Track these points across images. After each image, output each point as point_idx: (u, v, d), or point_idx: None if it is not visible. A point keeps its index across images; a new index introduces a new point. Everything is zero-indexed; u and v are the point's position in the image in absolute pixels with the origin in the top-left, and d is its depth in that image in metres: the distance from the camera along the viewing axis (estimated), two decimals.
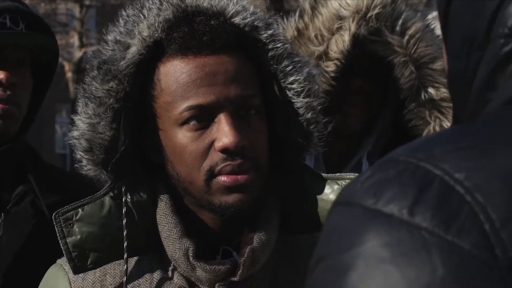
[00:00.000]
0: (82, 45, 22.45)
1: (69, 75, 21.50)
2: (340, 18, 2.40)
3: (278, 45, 1.56)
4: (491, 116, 0.85)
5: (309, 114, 1.56)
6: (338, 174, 1.61)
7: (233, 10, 1.55)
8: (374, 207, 0.77)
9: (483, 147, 0.78)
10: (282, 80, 1.56)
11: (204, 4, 1.55)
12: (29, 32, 2.22)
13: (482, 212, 0.74)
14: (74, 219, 1.56)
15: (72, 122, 1.59)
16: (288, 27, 2.43)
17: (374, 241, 0.75)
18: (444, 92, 2.38)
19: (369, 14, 2.38)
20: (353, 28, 2.38)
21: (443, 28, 0.96)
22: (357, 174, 1.58)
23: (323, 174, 1.61)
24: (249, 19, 1.55)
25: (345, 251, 0.76)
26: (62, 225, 1.56)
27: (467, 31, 0.90)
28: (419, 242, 0.73)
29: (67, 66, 22.10)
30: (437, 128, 2.38)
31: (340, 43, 2.38)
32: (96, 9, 24.79)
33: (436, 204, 0.75)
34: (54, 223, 1.56)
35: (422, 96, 2.39)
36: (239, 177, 1.48)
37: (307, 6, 2.48)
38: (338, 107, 2.35)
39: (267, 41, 1.56)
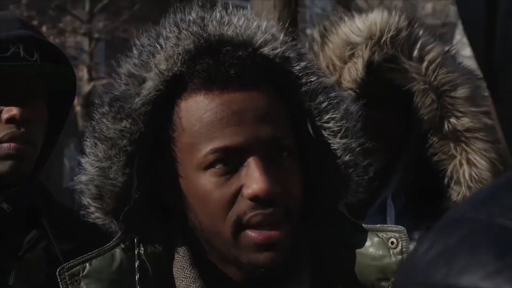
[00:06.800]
0: (91, 79, 22.40)
1: (77, 109, 21.41)
2: (351, 44, 2.29)
3: (312, 78, 1.41)
4: None
5: (347, 156, 1.41)
6: (379, 225, 1.45)
7: (262, 39, 1.39)
8: (445, 282, 0.63)
9: None
10: (317, 118, 1.41)
11: (229, 33, 1.39)
12: (44, 63, 2.07)
13: None
14: (81, 274, 1.43)
15: (80, 165, 1.45)
16: None
17: None
18: (468, 121, 2.25)
19: (383, 39, 2.26)
20: (366, 55, 2.26)
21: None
22: (400, 227, 1.43)
23: (363, 225, 1.45)
24: (279, 50, 1.40)
25: None
26: (68, 282, 1.43)
27: None
28: None
29: (75, 100, 21.97)
30: (464, 162, 2.25)
31: (353, 71, 2.26)
32: (106, 42, 24.80)
33: None
34: (59, 280, 1.43)
35: (446, 127, 2.25)
36: (272, 233, 1.33)
37: (316, 35, 2.37)
38: None
39: (300, 74, 1.40)
